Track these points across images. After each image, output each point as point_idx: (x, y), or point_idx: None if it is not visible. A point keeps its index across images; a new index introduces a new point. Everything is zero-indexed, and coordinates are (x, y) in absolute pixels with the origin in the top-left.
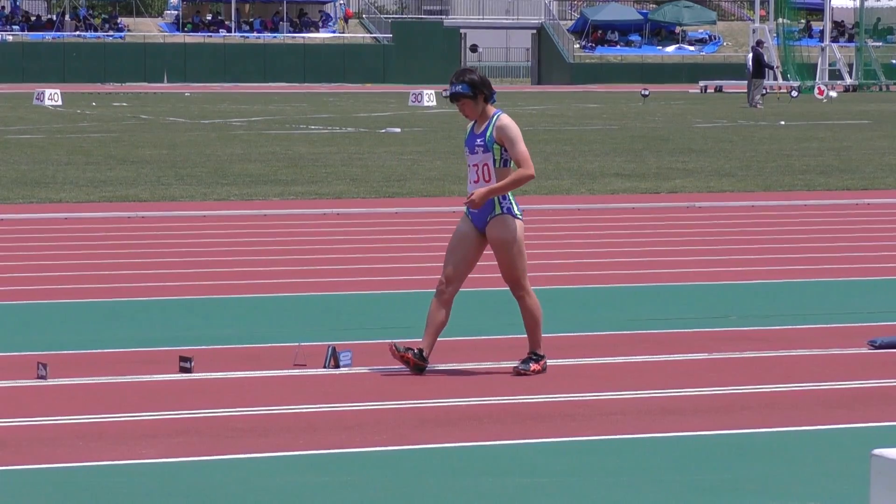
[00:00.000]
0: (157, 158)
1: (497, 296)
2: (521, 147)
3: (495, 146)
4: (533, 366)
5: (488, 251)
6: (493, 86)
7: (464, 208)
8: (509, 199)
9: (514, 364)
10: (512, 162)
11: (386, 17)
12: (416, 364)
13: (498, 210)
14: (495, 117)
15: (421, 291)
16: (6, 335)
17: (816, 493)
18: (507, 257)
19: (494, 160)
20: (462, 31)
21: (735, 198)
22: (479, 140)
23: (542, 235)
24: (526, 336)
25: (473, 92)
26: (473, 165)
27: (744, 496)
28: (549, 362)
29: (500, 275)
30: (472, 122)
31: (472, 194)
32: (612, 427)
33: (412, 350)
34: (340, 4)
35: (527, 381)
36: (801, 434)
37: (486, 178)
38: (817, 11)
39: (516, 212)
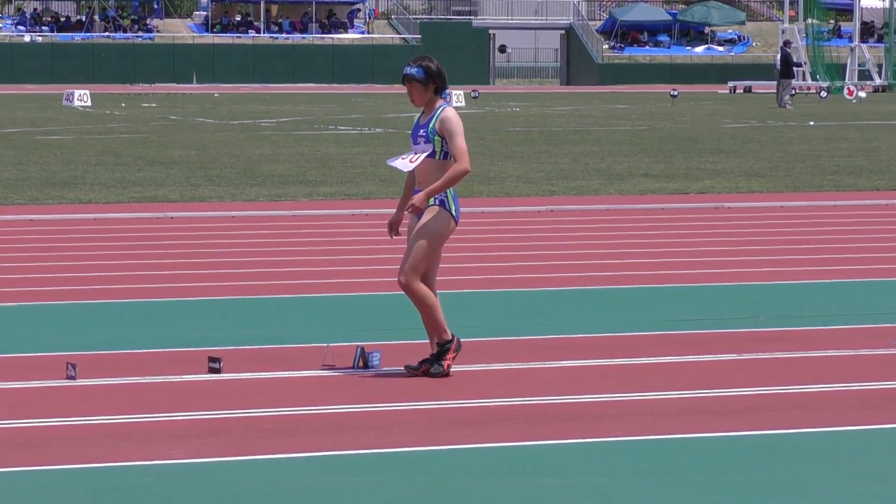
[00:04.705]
0: (186, 159)
1: (524, 297)
2: (460, 141)
3: (436, 138)
4: (445, 361)
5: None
6: (519, 83)
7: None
8: (444, 193)
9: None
10: (450, 156)
11: (414, 18)
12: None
13: (432, 201)
14: (440, 109)
15: (452, 292)
16: (35, 335)
17: (845, 494)
18: (417, 241)
19: (435, 152)
20: (491, 31)
21: (764, 198)
22: (422, 131)
23: (571, 236)
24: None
25: (426, 78)
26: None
27: (773, 497)
28: (579, 363)
29: (525, 276)
30: (420, 112)
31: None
32: (640, 428)
33: (427, 359)
34: (367, 6)
35: (555, 382)
36: (831, 435)
37: (424, 170)
38: (846, 12)
39: (450, 207)
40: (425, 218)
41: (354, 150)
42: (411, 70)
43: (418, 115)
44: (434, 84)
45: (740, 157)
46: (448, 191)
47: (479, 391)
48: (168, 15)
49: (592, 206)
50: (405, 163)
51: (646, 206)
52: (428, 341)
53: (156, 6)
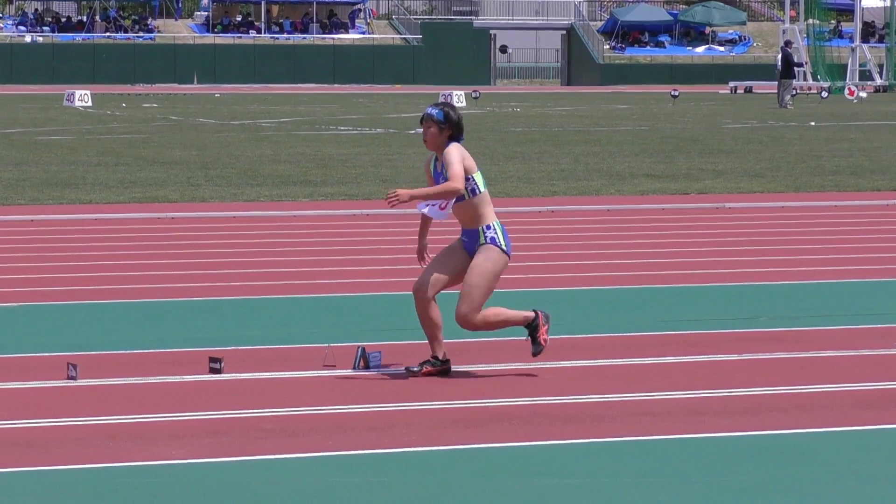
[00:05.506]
0: (186, 159)
1: (524, 297)
2: (456, 167)
3: None
4: (540, 336)
5: None
6: (520, 83)
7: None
8: (493, 229)
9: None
10: (478, 190)
11: (415, 18)
12: (439, 371)
13: (482, 240)
14: (445, 149)
15: (452, 292)
16: (36, 336)
17: (846, 494)
18: (475, 281)
19: (463, 195)
20: (492, 31)
21: (765, 198)
22: (441, 179)
23: (571, 237)
24: (527, 337)
25: (444, 123)
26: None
27: (773, 497)
28: (579, 363)
29: (526, 276)
30: (433, 157)
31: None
32: (640, 428)
33: (428, 361)
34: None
35: (555, 382)
36: (831, 435)
37: (461, 212)
38: (847, 12)
39: (501, 243)
40: (479, 257)
41: (355, 151)
42: (432, 111)
43: (433, 159)
44: (450, 131)
45: (741, 157)
46: (497, 227)
47: (479, 391)
48: (168, 15)
49: (593, 207)
50: (436, 210)
51: (647, 207)
52: (427, 342)
53: (176, 6)
